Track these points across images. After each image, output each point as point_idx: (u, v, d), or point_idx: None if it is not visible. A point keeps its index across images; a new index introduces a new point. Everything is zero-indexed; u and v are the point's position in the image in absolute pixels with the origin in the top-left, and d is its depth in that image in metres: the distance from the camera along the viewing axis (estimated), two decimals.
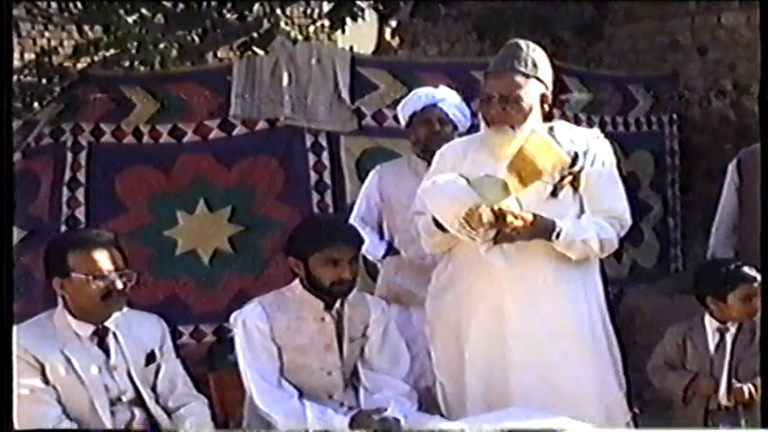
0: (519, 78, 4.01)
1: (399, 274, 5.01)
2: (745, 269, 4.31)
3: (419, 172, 4.87)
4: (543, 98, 4.09)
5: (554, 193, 4.00)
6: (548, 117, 4.17)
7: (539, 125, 4.06)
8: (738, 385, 4.17)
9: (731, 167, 4.96)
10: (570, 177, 4.00)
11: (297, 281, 4.11)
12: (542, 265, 4.05)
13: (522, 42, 4.11)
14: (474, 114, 5.08)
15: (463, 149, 4.23)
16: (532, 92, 4.04)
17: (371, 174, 5.25)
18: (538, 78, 4.06)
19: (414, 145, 5.00)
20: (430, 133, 4.88)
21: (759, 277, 4.24)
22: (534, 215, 3.88)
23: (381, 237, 5.13)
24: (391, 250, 5.09)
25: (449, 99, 4.96)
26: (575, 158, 4.00)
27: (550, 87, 4.13)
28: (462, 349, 4.18)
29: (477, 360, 4.15)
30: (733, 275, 4.33)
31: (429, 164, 4.85)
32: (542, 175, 3.87)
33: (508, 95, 3.99)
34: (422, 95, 5.00)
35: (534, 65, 4.05)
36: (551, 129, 4.09)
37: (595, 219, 4.04)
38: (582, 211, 4.07)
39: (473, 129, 4.84)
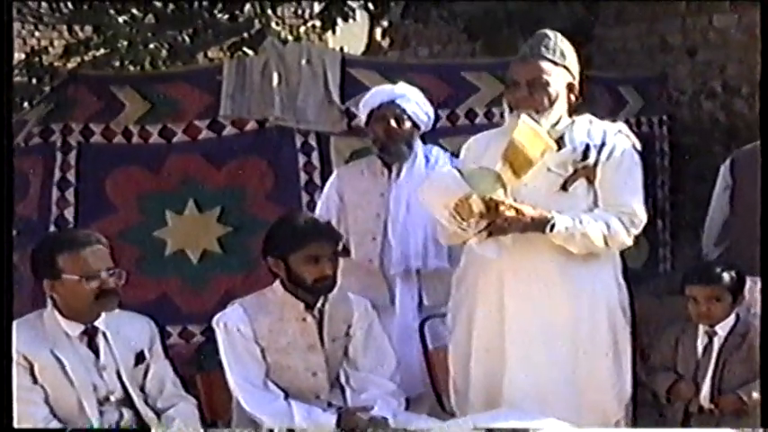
0: (546, 65, 4.00)
1: (347, 277, 4.78)
2: (709, 270, 4.30)
3: (375, 172, 4.85)
4: (570, 87, 4.07)
5: (564, 187, 3.98)
6: (574, 109, 4.14)
7: (565, 115, 4.05)
8: (728, 394, 4.17)
9: (724, 168, 4.94)
10: (583, 171, 3.99)
11: (278, 282, 4.10)
12: (545, 260, 3.99)
13: (551, 32, 4.10)
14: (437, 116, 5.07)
15: (486, 142, 4.19)
16: (559, 80, 4.03)
17: (332, 175, 5.21)
18: (565, 67, 4.05)
19: (373, 144, 4.89)
20: (387, 131, 4.75)
21: (727, 279, 4.23)
22: (528, 207, 3.86)
23: None
24: (343, 251, 5.00)
25: (408, 95, 4.81)
26: (585, 151, 3.98)
27: (577, 78, 4.11)
28: (470, 344, 4.17)
29: (481, 356, 4.13)
30: (693, 273, 4.34)
31: (385, 164, 4.83)
32: (533, 165, 3.83)
33: (534, 81, 3.98)
34: (379, 92, 4.88)
35: (562, 54, 4.05)
36: (573, 122, 4.07)
37: (604, 213, 3.97)
38: (596, 205, 4.03)
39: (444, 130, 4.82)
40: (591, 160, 3.98)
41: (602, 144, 4.01)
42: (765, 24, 4.58)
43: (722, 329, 4.25)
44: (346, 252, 4.96)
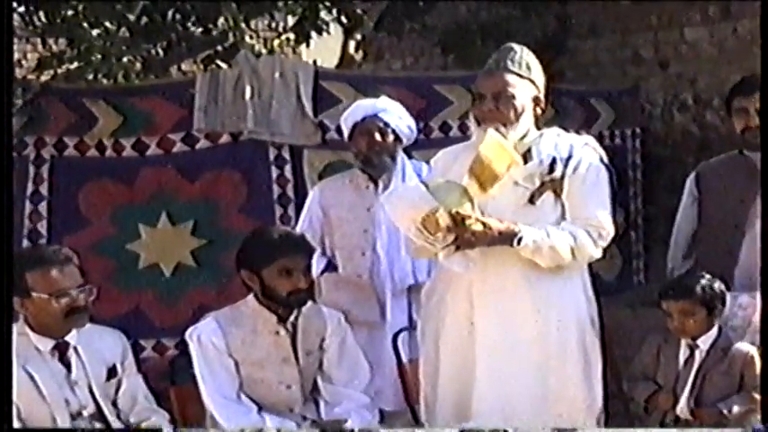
0: (511, 78, 3.98)
1: (336, 292, 4.89)
2: (685, 283, 4.33)
3: (360, 186, 4.88)
4: (536, 101, 4.05)
5: (531, 200, 3.95)
6: (542, 122, 4.13)
7: (532, 127, 4.03)
8: (708, 407, 4.19)
9: (689, 181, 4.97)
10: (551, 184, 3.98)
11: (251, 295, 4.10)
12: (513, 273, 3.96)
13: (516, 45, 4.09)
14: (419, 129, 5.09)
15: (455, 155, 4.17)
16: (525, 92, 4.00)
17: (313, 189, 5.22)
18: (531, 80, 4.03)
19: (356, 157, 4.92)
20: (370, 144, 4.80)
21: (699, 293, 4.25)
22: (495, 220, 3.83)
23: (323, 252, 5.01)
24: (330, 266, 5.00)
25: (390, 109, 4.87)
26: (552, 164, 3.97)
27: (543, 91, 4.09)
28: (439, 357, 4.15)
29: (450, 369, 4.10)
30: (667, 287, 4.36)
31: (370, 177, 4.85)
32: (500, 178, 3.81)
33: (500, 93, 3.96)
34: (362, 106, 4.91)
35: (528, 67, 4.03)
36: (541, 135, 4.05)
37: (571, 226, 3.95)
38: (564, 218, 4.00)
39: (418, 143, 4.85)
40: (558, 173, 3.96)
41: (569, 157, 3.99)
42: (765, 26, 4.59)
43: (704, 343, 4.25)
44: (334, 267, 4.98)
